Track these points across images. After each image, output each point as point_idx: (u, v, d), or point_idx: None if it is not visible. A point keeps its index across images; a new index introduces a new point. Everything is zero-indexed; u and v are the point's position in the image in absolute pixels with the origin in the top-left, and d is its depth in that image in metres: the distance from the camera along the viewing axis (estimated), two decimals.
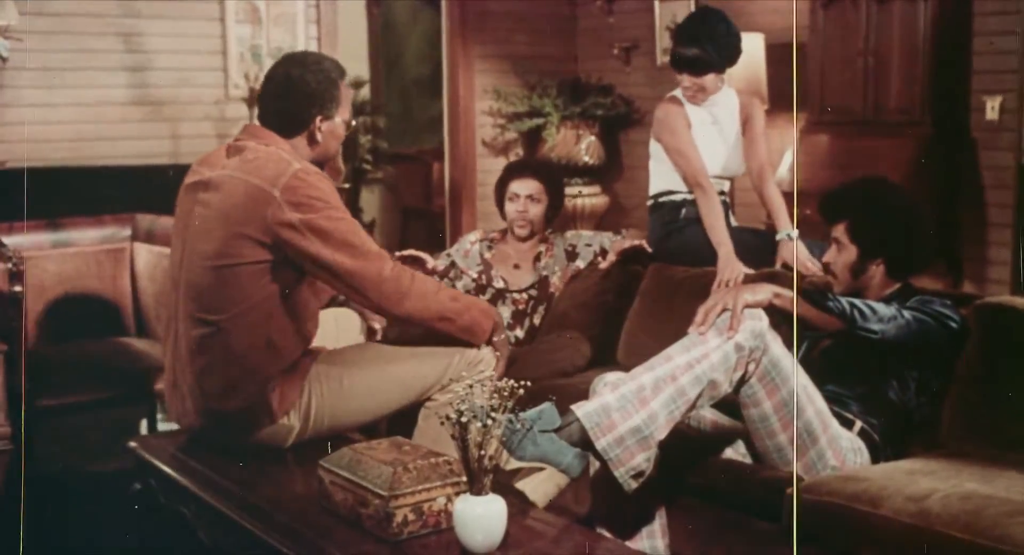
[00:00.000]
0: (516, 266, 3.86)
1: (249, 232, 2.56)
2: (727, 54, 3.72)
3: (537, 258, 3.87)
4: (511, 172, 3.93)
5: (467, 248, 3.89)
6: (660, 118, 3.79)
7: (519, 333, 3.79)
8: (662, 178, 3.84)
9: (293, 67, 2.72)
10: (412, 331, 2.78)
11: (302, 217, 2.55)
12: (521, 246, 3.88)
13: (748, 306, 2.52)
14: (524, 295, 3.81)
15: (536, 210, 3.85)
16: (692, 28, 3.74)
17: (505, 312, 3.79)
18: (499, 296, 3.79)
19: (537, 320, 3.81)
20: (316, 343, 2.78)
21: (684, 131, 3.74)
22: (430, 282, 2.72)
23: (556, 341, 3.67)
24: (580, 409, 2.43)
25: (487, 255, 3.86)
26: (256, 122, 2.77)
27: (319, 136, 2.73)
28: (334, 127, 2.75)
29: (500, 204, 3.94)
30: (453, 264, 3.87)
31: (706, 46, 3.66)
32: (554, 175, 4.01)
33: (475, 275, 3.83)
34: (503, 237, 3.93)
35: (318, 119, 2.72)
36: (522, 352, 3.57)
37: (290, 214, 2.54)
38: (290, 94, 2.70)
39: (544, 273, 3.84)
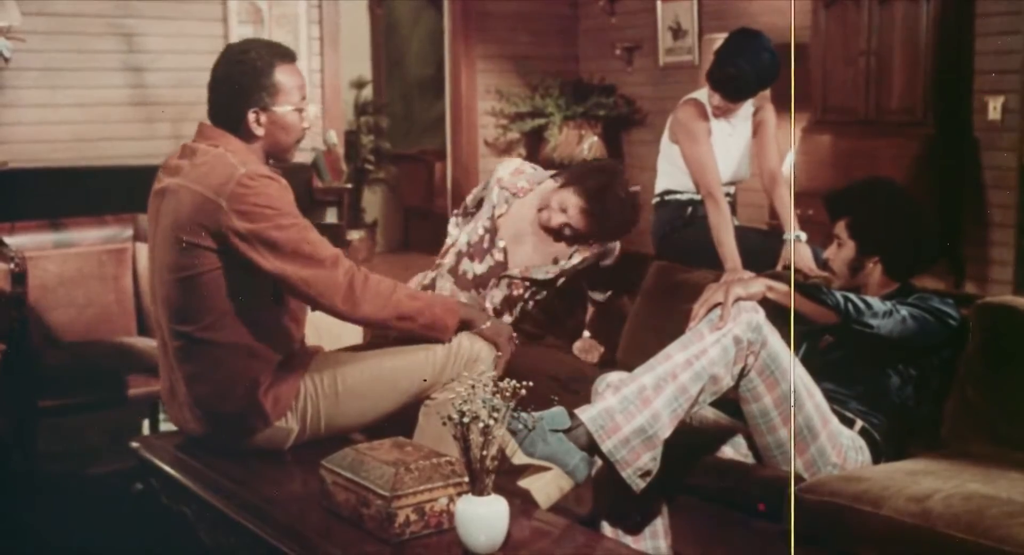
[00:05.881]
0: (521, 243, 3.51)
1: (199, 241, 2.49)
2: (765, 82, 3.67)
3: None
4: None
5: (495, 187, 3.54)
6: (682, 121, 3.73)
7: (507, 319, 3.60)
8: (670, 177, 3.82)
9: (221, 61, 2.60)
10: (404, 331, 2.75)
11: (250, 227, 2.46)
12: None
13: (740, 299, 2.53)
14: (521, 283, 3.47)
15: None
16: (737, 53, 3.64)
17: (497, 296, 3.48)
18: (494, 273, 3.46)
19: (530, 307, 3.60)
20: (315, 343, 2.77)
21: (705, 140, 3.69)
22: (385, 283, 2.63)
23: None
24: (584, 413, 2.44)
25: (500, 210, 3.51)
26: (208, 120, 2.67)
27: (258, 130, 2.58)
28: (277, 117, 2.58)
29: None
30: (480, 202, 3.55)
31: (749, 76, 3.60)
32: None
33: (481, 232, 3.50)
34: (525, 193, 3.53)
35: (251, 113, 2.57)
36: (530, 353, 3.48)
37: (238, 223, 2.46)
38: (219, 90, 2.59)
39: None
